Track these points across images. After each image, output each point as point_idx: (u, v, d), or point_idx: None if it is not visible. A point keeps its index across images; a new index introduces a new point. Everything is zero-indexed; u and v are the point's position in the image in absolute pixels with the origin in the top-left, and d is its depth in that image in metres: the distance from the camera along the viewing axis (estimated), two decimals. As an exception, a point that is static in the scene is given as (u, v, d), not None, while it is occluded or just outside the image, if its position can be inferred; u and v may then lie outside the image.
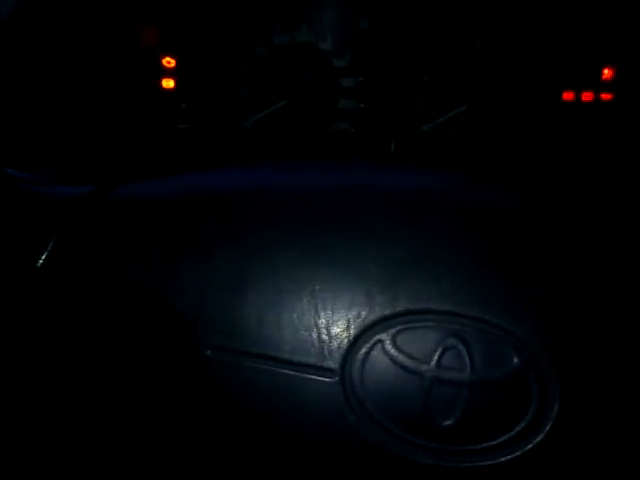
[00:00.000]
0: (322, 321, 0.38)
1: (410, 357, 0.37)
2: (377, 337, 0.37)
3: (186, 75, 1.03)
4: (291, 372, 0.37)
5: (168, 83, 1.03)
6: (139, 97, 1.02)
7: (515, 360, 0.38)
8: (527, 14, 0.96)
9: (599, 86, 0.96)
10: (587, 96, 0.97)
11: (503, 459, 0.38)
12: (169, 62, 1.02)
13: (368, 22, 0.99)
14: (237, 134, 1.04)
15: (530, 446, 0.38)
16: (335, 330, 0.38)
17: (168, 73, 1.04)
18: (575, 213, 0.41)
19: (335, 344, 0.37)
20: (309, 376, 0.37)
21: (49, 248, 0.39)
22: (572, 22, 0.95)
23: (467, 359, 0.36)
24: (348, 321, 0.38)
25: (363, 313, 0.37)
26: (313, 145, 1.03)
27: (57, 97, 0.91)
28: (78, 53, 0.94)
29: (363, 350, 0.37)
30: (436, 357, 0.37)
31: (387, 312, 0.37)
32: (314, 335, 0.38)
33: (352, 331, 0.37)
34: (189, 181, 0.45)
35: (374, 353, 0.37)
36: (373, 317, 0.37)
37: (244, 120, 1.04)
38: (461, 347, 0.37)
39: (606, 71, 0.96)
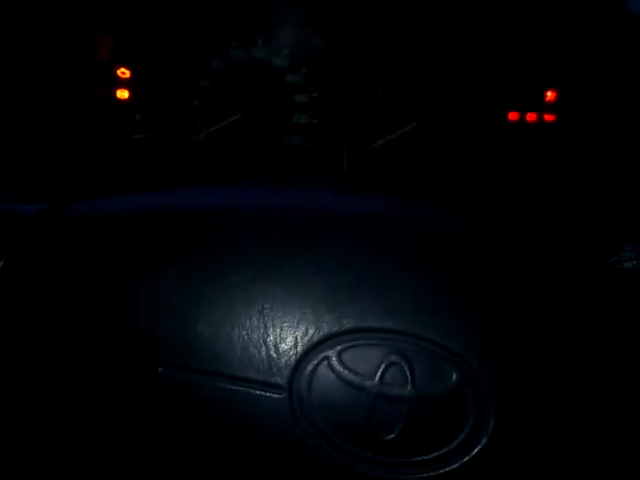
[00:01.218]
0: (271, 339, 0.39)
1: (355, 373, 0.38)
2: (324, 354, 0.39)
3: (141, 86, 1.03)
4: (241, 388, 0.38)
5: (123, 94, 1.03)
6: (94, 107, 1.01)
7: (454, 376, 0.40)
8: (474, 36, 1.00)
9: (543, 107, 1.00)
10: (531, 117, 1.01)
11: (442, 471, 0.40)
12: (124, 73, 1.02)
13: (323, 40, 1.01)
14: (191, 146, 1.04)
15: (468, 458, 0.40)
16: (283, 347, 0.39)
17: (123, 84, 1.03)
18: (517, 235, 0.43)
19: (283, 361, 0.39)
20: (258, 392, 0.38)
21: (0, 266, 0.39)
22: (517, 44, 0.99)
23: (409, 375, 0.38)
24: (296, 339, 0.39)
25: (310, 331, 0.39)
26: (267, 158, 1.04)
27: (8, 108, 0.90)
28: (30, 63, 0.93)
29: (310, 367, 0.39)
30: (379, 373, 0.38)
31: (334, 330, 0.39)
32: (263, 352, 0.39)
33: (299, 348, 0.39)
34: (142, 200, 0.46)
35: (321, 369, 0.39)
36: (320, 335, 0.38)
37: (199, 132, 1.04)
38: (403, 363, 0.38)
39: (549, 93, 1.00)
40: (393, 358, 0.40)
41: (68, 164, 0.93)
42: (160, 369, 0.37)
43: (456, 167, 1.00)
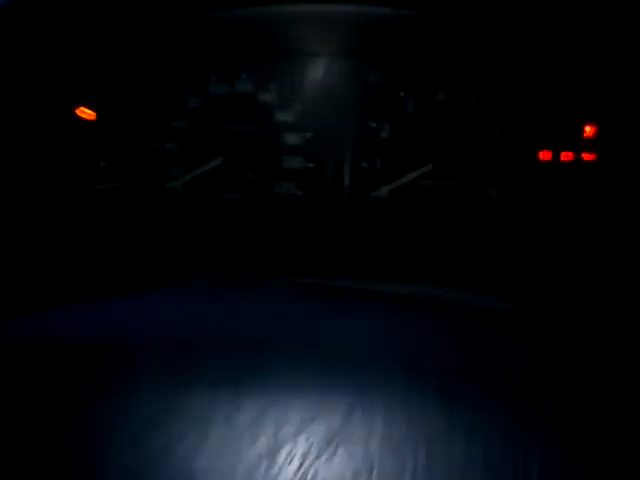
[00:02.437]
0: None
1: None
2: None
3: (106, 128, 0.89)
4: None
5: (86, 137, 0.88)
6: (52, 155, 0.86)
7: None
8: (497, 63, 0.84)
9: (580, 145, 0.84)
10: (566, 156, 0.85)
11: None
12: (86, 114, 0.88)
13: (318, 70, 0.87)
14: (165, 195, 0.89)
15: None
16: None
17: (87, 126, 0.89)
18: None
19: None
20: None
21: None
22: (549, 74, 0.84)
23: None
24: None
25: None
26: (253, 210, 0.88)
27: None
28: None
29: None
30: None
31: None
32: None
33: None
34: (70, 319, 0.40)
35: None
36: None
37: (173, 180, 0.89)
38: None
39: (588, 129, 0.84)
40: None
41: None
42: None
43: (478, 218, 0.83)
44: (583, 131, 0.84)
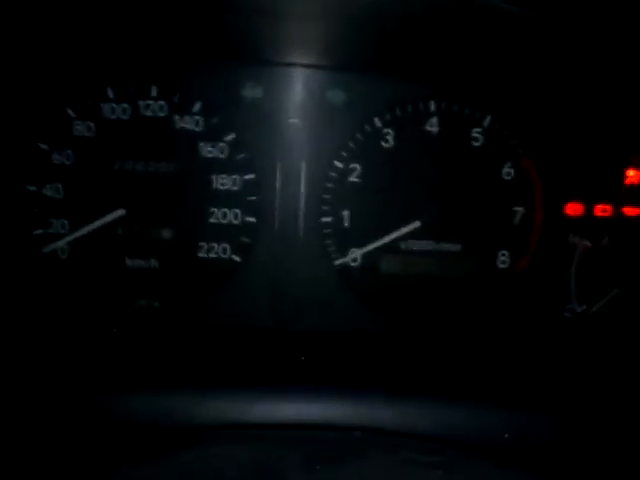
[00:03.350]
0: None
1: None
2: None
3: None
4: None
5: None
6: None
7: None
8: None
9: (620, 195, 0.64)
10: (604, 210, 0.63)
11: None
12: None
13: (261, 88, 0.62)
14: (41, 263, 0.62)
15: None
16: None
17: None
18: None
19: None
20: None
21: None
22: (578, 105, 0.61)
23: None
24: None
25: None
26: (171, 281, 0.63)
27: None
28: None
29: None
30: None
31: None
32: None
33: None
34: None
35: None
36: None
37: (54, 239, 0.65)
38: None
39: (632, 173, 0.64)
40: None
41: None
42: None
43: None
44: (625, 176, 0.66)
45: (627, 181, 0.65)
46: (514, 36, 0.54)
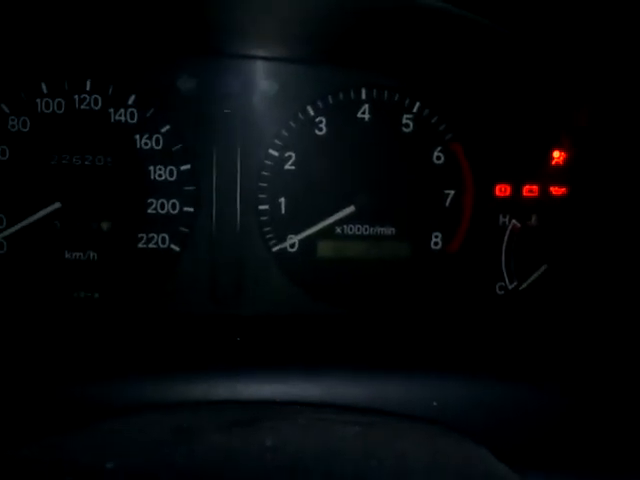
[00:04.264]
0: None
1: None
2: None
3: None
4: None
5: None
6: None
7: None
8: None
9: (547, 176, 0.65)
10: (530, 190, 0.65)
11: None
12: None
13: (195, 80, 0.63)
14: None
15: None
16: None
17: None
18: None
19: None
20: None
21: None
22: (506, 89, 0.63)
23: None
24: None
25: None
26: (111, 274, 0.63)
27: None
28: None
29: None
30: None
31: None
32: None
33: None
34: None
35: None
36: None
37: None
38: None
39: (556, 154, 0.65)
40: None
41: None
42: None
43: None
44: (550, 157, 0.68)
45: (553, 162, 0.67)
46: (442, 27, 0.56)
